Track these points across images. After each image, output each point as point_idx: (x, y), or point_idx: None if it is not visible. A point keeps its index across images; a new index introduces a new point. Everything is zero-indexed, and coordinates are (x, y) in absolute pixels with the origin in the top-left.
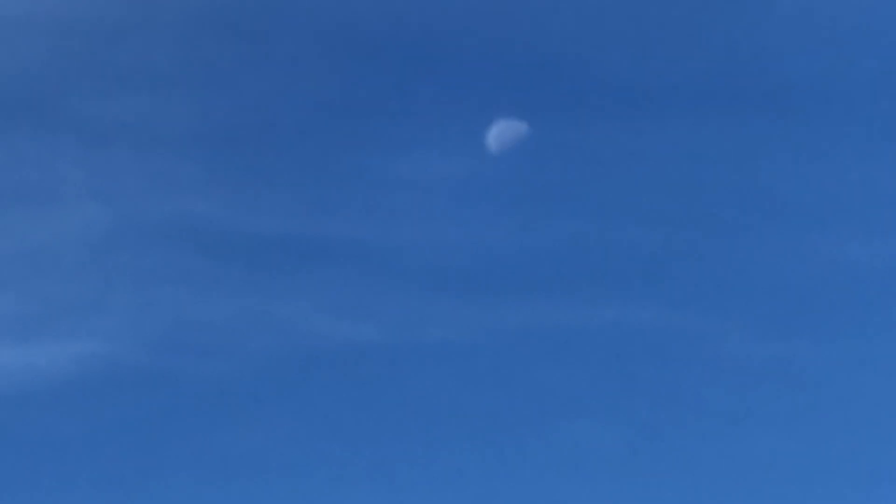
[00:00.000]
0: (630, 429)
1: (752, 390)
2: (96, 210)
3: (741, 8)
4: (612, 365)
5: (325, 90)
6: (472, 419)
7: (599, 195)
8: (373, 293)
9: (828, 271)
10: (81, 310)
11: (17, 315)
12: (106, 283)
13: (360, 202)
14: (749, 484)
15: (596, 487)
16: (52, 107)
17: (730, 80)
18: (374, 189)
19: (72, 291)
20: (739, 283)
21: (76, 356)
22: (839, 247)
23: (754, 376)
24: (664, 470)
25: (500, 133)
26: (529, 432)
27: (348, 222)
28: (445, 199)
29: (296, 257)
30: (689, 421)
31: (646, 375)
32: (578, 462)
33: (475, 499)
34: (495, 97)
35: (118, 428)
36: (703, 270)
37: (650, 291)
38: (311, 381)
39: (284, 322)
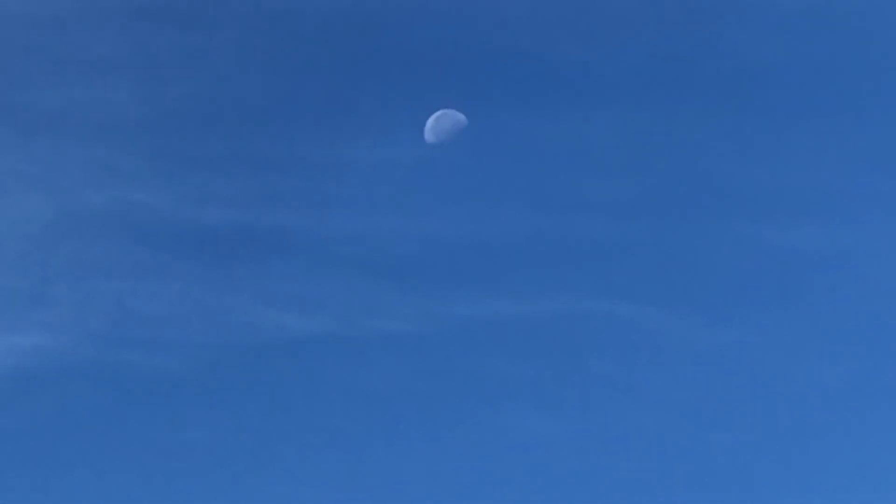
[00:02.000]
0: (577, 417)
1: (699, 378)
2: (37, 201)
3: None
4: (558, 354)
5: (266, 80)
6: (418, 409)
7: (543, 186)
8: (318, 284)
9: (774, 259)
10: (23, 302)
11: None
12: (48, 275)
13: (304, 192)
14: (696, 471)
15: (542, 475)
16: None
17: (675, 70)
18: (318, 179)
19: (13, 284)
20: (685, 272)
21: (19, 349)
22: (785, 235)
23: (701, 364)
24: (612, 458)
25: (439, 124)
26: (475, 421)
27: (293, 212)
28: (389, 189)
29: (240, 248)
30: (636, 409)
31: (592, 365)
32: (525, 450)
33: (422, 486)
34: (434, 89)
35: (62, 420)
36: (648, 260)
37: (595, 281)
38: (256, 373)
39: (230, 314)
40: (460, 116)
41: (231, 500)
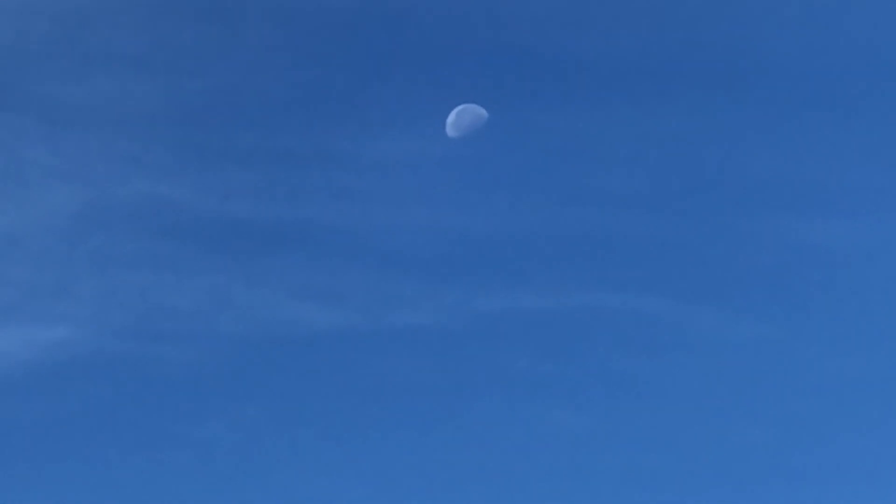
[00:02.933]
0: (599, 412)
1: (722, 373)
2: (63, 194)
3: None
4: (581, 349)
5: (292, 75)
6: (440, 403)
7: (566, 180)
8: (341, 277)
9: (798, 253)
10: (49, 295)
11: None
12: (73, 268)
13: (327, 185)
14: (721, 465)
15: (564, 470)
16: (17, 90)
17: (700, 65)
18: (341, 172)
19: (39, 277)
20: (711, 267)
21: (45, 342)
22: (811, 229)
23: (725, 359)
24: (636, 453)
25: (460, 118)
26: (497, 416)
27: (316, 206)
28: (412, 183)
29: (265, 241)
30: (659, 404)
31: (615, 360)
32: (547, 445)
33: (444, 480)
34: (455, 83)
35: (87, 413)
36: (674, 254)
37: (621, 276)
38: (279, 365)
39: (253, 307)
40: (481, 111)
41: (254, 492)
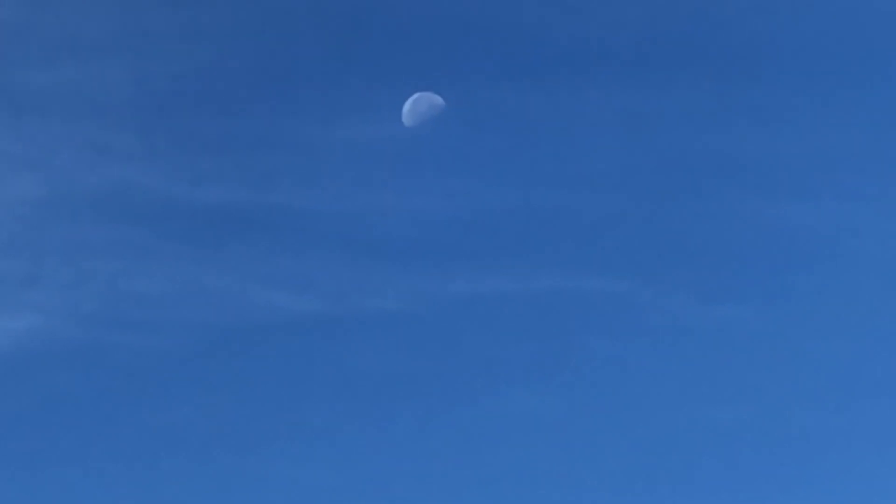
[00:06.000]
0: (571, 395)
1: (694, 355)
2: (28, 181)
3: None
4: (552, 333)
5: (256, 60)
6: (411, 388)
7: (532, 165)
8: (311, 264)
9: (767, 234)
10: (15, 284)
11: None
12: (41, 257)
13: (295, 171)
14: (691, 448)
15: (536, 454)
16: None
17: (669, 44)
18: (308, 158)
19: (6, 266)
20: (684, 249)
21: (11, 331)
22: (778, 210)
23: (696, 341)
24: (611, 437)
25: (416, 107)
26: (468, 400)
27: (284, 192)
28: (380, 168)
29: (234, 227)
30: (631, 387)
31: (586, 342)
32: (519, 429)
33: (416, 464)
34: (411, 71)
35: (55, 402)
36: (641, 235)
37: (587, 258)
38: (248, 352)
39: (222, 294)
40: (437, 99)
41: (223, 480)
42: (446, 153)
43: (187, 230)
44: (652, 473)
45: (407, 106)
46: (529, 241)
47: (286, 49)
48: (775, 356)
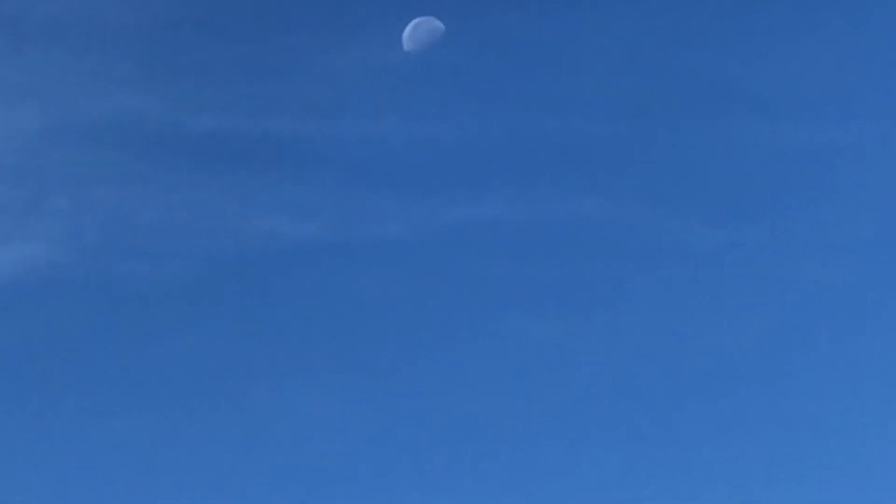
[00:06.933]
0: (572, 320)
1: (695, 279)
2: (29, 110)
3: None
4: (554, 257)
5: None
6: (414, 313)
7: (533, 90)
8: (310, 190)
9: (777, 159)
10: (17, 213)
11: None
12: (43, 186)
13: (295, 98)
14: (691, 372)
15: (537, 378)
16: None
17: None
18: (308, 85)
19: (6, 195)
20: (688, 172)
21: (13, 260)
22: (782, 133)
23: (697, 265)
24: (608, 360)
25: (416, 31)
26: (469, 325)
27: (284, 119)
28: (376, 95)
29: (234, 154)
30: (632, 311)
31: (588, 267)
32: (520, 353)
33: (418, 389)
34: None
35: (58, 330)
36: (644, 160)
37: (590, 183)
38: (250, 279)
39: (223, 221)
40: (438, 23)
41: (225, 407)
42: (447, 78)
43: (189, 158)
44: (652, 397)
45: (407, 31)
46: (531, 166)
47: None
48: (778, 280)
